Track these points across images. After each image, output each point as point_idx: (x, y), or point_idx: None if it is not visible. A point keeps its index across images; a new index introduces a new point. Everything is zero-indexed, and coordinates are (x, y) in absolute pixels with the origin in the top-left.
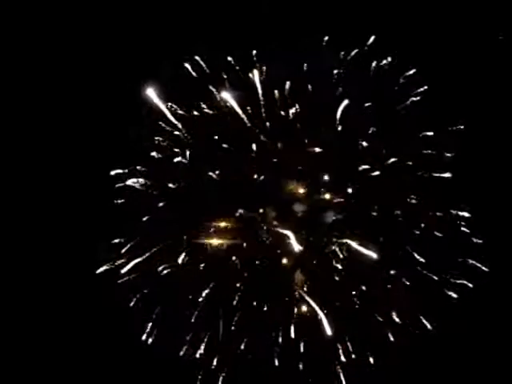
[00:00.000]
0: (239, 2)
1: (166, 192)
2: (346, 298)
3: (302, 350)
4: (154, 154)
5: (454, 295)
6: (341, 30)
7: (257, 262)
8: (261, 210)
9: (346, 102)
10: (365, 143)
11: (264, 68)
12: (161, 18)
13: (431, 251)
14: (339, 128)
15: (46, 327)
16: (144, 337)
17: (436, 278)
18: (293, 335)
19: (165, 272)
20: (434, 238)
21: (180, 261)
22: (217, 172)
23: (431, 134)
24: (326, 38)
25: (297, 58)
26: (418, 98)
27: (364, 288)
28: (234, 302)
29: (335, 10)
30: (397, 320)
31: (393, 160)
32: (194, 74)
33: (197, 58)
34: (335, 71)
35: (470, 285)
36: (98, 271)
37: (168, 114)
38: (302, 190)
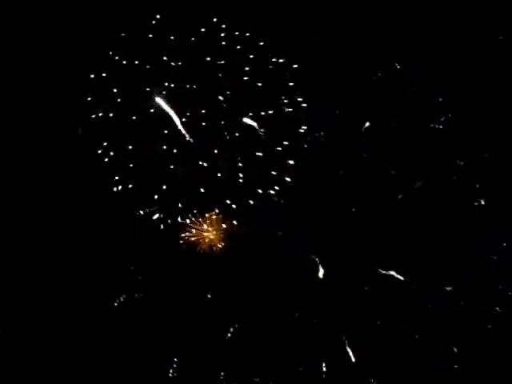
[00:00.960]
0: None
1: None
2: (369, 320)
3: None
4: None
5: (487, 325)
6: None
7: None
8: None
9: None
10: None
11: None
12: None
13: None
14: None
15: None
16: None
17: (463, 303)
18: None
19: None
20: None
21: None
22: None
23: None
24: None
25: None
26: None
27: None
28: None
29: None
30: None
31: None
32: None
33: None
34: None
35: (498, 309)
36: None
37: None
38: None
